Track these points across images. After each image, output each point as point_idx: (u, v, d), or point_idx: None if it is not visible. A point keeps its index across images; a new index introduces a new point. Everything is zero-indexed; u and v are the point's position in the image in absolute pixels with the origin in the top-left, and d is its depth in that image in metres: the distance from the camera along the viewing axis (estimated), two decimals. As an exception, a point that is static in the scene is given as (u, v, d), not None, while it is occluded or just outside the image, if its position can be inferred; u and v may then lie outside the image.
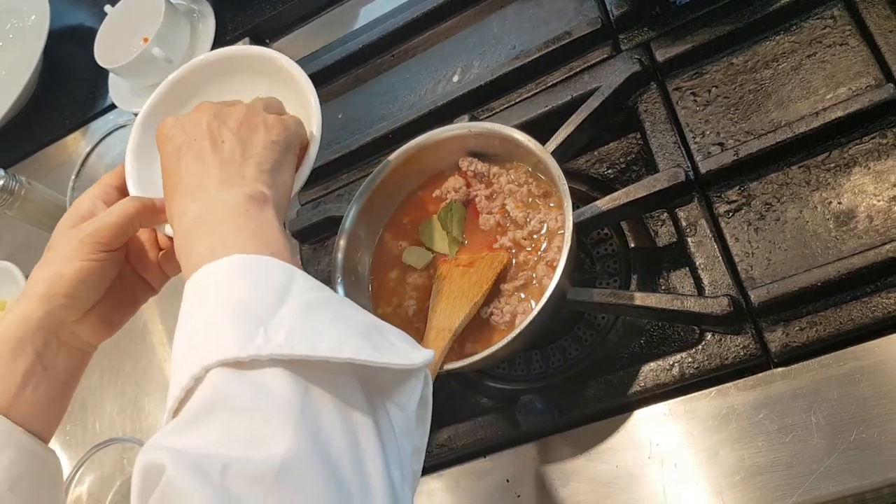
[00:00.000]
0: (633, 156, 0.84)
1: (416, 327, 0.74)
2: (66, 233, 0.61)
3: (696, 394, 0.69)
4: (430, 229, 0.78)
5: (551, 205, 0.73)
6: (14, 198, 1.07)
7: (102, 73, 1.22)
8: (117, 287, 0.64)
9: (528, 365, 0.79)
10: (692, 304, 0.68)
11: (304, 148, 0.65)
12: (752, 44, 0.78)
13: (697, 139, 0.76)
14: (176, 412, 0.43)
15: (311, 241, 0.97)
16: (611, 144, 0.85)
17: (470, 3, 0.99)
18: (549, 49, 0.86)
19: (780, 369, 0.67)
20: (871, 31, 0.72)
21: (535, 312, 0.64)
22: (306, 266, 0.96)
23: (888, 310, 0.64)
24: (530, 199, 0.74)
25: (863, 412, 0.62)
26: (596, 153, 0.86)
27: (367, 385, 0.45)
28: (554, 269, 0.66)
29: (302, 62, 0.71)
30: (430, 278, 0.75)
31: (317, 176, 0.96)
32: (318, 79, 1.00)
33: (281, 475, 0.37)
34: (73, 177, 1.09)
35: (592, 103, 0.78)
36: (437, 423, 0.79)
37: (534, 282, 0.70)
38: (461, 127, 0.77)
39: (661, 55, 0.80)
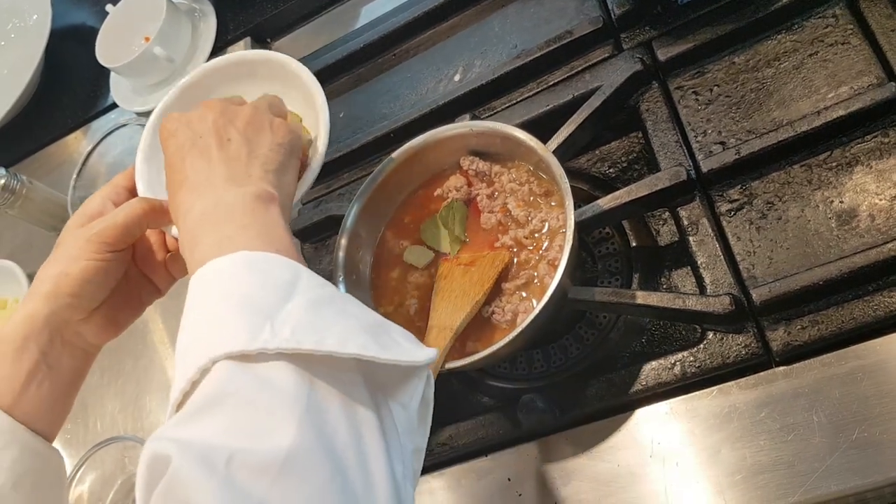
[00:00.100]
0: (635, 155, 0.84)
1: (418, 326, 0.74)
2: (74, 231, 0.61)
3: (697, 393, 0.69)
4: (431, 228, 0.78)
5: (553, 204, 0.73)
6: (15, 197, 1.07)
7: (104, 73, 1.22)
8: (123, 288, 0.64)
9: (529, 364, 0.79)
10: (694, 303, 0.68)
11: (306, 154, 0.65)
12: (754, 43, 0.77)
13: (699, 138, 0.76)
14: (180, 404, 0.43)
15: (312, 240, 0.97)
16: (612, 143, 0.85)
17: (471, 2, 0.99)
18: (551, 48, 0.86)
19: (781, 368, 0.67)
20: (873, 29, 0.72)
21: (536, 311, 0.64)
22: (307, 265, 0.95)
23: (890, 308, 0.64)
24: (532, 198, 0.74)
25: (864, 411, 0.62)
26: (597, 152, 0.86)
27: (370, 382, 0.45)
28: (555, 267, 0.66)
29: (303, 61, 0.71)
30: (432, 277, 0.75)
31: (318, 175, 0.96)
32: (320, 78, 0.98)
33: (286, 466, 0.38)
34: (74, 176, 1.09)
35: (594, 102, 0.78)
36: (439, 421, 0.79)
37: (535, 281, 0.70)
38: (462, 126, 0.77)
39: (662, 54, 0.80)
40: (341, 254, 0.77)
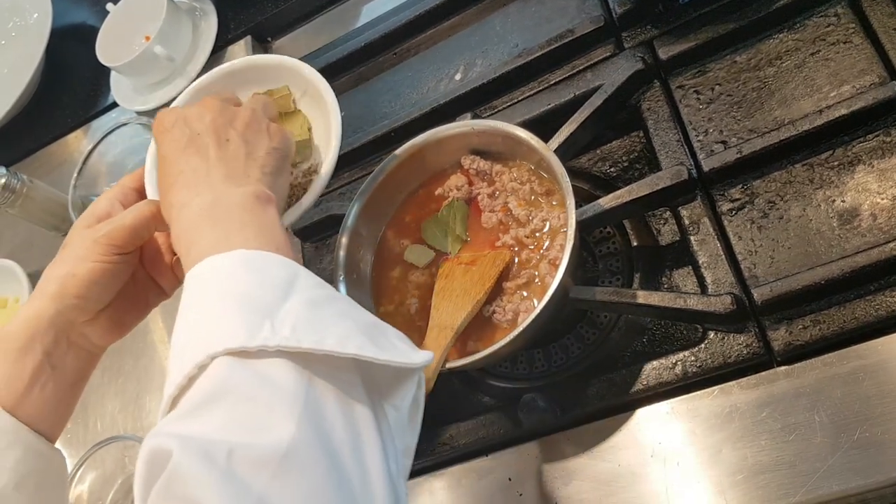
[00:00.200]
0: (636, 154, 0.84)
1: (419, 325, 0.74)
2: (82, 232, 0.61)
3: (698, 392, 0.69)
4: (432, 227, 0.77)
5: (554, 203, 0.73)
6: (16, 196, 1.07)
7: (104, 72, 1.22)
8: (129, 290, 0.64)
9: (530, 363, 0.79)
10: (695, 303, 0.68)
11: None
12: (756, 42, 0.77)
13: (700, 137, 0.76)
14: (176, 399, 0.43)
15: (313, 240, 0.97)
16: (613, 142, 0.85)
17: (472, 2, 0.99)
18: (552, 47, 0.86)
19: (783, 368, 0.67)
20: (875, 28, 0.72)
21: (537, 311, 0.64)
22: (308, 264, 0.96)
23: (892, 308, 0.64)
24: (533, 198, 0.74)
25: (866, 411, 0.62)
26: (599, 151, 0.86)
27: (366, 382, 0.46)
28: (556, 267, 0.66)
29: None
30: (433, 276, 0.75)
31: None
32: (321, 77, 1.00)
33: (285, 461, 0.38)
34: (74, 175, 1.08)
35: (595, 101, 0.78)
36: (439, 421, 0.78)
37: (536, 280, 0.70)
38: (464, 125, 0.77)
39: (664, 53, 0.79)
40: (342, 253, 0.77)
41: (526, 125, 0.76)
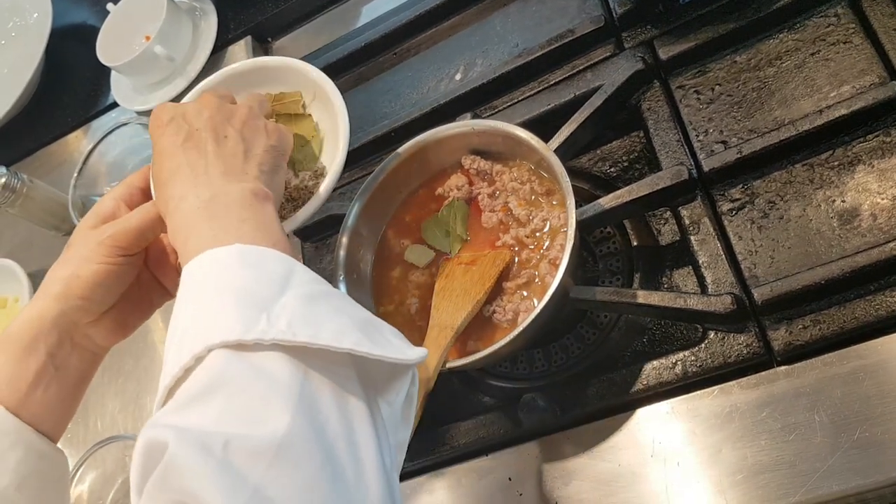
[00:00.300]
0: (636, 154, 0.84)
1: (419, 325, 0.74)
2: (87, 233, 0.61)
3: (698, 392, 0.69)
4: (432, 227, 0.78)
5: (554, 203, 0.73)
6: (16, 196, 1.07)
7: (104, 71, 1.22)
8: (134, 290, 0.64)
9: (530, 363, 0.79)
10: (695, 303, 0.68)
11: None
12: (756, 42, 0.77)
13: (701, 137, 0.76)
14: (172, 390, 0.43)
15: (313, 240, 0.97)
16: (614, 142, 0.85)
17: (472, 2, 0.99)
18: (552, 47, 0.86)
19: (783, 368, 0.67)
20: (875, 28, 0.72)
21: (537, 310, 0.64)
22: (308, 264, 0.95)
23: (892, 308, 0.64)
24: (533, 197, 0.74)
25: (866, 411, 0.62)
26: (599, 151, 0.86)
27: (361, 377, 0.46)
28: (556, 267, 0.66)
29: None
30: (433, 276, 0.75)
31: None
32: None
33: (280, 452, 0.38)
34: (74, 175, 1.08)
35: (595, 101, 0.78)
36: (439, 421, 0.78)
37: (536, 280, 0.70)
38: (464, 125, 0.77)
39: (664, 53, 0.79)
40: (342, 252, 0.77)
41: (526, 125, 0.76)
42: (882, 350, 0.64)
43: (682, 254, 0.75)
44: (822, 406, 0.64)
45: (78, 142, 1.27)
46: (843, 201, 0.69)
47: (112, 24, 1.17)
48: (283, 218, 0.67)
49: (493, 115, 0.88)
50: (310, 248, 0.97)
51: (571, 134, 0.77)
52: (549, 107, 0.84)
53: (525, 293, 0.70)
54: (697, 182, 0.74)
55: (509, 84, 0.89)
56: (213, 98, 0.60)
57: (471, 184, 0.78)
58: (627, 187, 0.73)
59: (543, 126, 0.78)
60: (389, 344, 0.47)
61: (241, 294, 0.45)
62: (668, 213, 0.79)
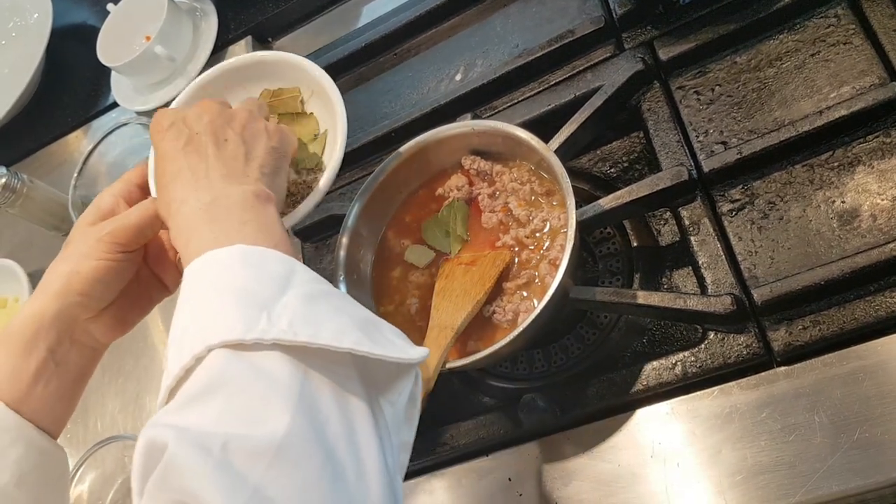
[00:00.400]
0: (636, 154, 0.84)
1: (419, 325, 0.74)
2: (86, 229, 0.61)
3: (698, 393, 0.69)
4: (432, 227, 0.77)
5: (554, 203, 0.73)
6: (16, 196, 1.07)
7: (105, 72, 1.22)
8: (133, 287, 0.64)
9: (530, 364, 0.79)
10: (695, 303, 0.68)
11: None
12: (756, 42, 0.77)
13: (701, 138, 0.76)
14: (173, 391, 0.44)
15: (313, 240, 0.97)
16: (614, 143, 0.85)
17: (473, 2, 0.99)
18: (552, 47, 0.86)
19: (783, 368, 0.67)
20: (875, 29, 0.72)
21: (537, 311, 0.64)
22: (308, 264, 0.94)
23: (891, 309, 0.64)
24: (533, 198, 0.74)
25: (866, 411, 0.62)
26: (599, 152, 0.86)
27: (362, 377, 0.46)
28: (556, 267, 0.66)
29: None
30: (433, 276, 0.75)
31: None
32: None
33: (280, 452, 0.38)
34: (74, 175, 1.08)
35: (595, 102, 0.78)
36: (439, 421, 0.79)
37: (536, 280, 0.70)
38: (464, 125, 0.77)
39: (664, 54, 0.80)
40: (342, 253, 0.77)
41: (526, 125, 0.76)
42: (882, 351, 0.64)
43: (681, 254, 0.75)
44: (821, 407, 0.64)
45: (78, 142, 1.27)
46: (843, 202, 0.69)
47: (112, 24, 1.17)
48: (282, 214, 0.67)
49: (493, 115, 0.88)
50: (310, 249, 0.97)
51: (571, 134, 0.77)
52: (549, 107, 0.84)
53: (525, 293, 0.70)
54: (697, 183, 0.74)
55: (509, 84, 0.89)
56: (213, 103, 0.60)
57: (471, 184, 0.78)
58: (627, 188, 0.73)
59: (543, 126, 0.78)
60: (390, 343, 0.47)
61: (242, 294, 0.45)
62: (668, 213, 0.79)
